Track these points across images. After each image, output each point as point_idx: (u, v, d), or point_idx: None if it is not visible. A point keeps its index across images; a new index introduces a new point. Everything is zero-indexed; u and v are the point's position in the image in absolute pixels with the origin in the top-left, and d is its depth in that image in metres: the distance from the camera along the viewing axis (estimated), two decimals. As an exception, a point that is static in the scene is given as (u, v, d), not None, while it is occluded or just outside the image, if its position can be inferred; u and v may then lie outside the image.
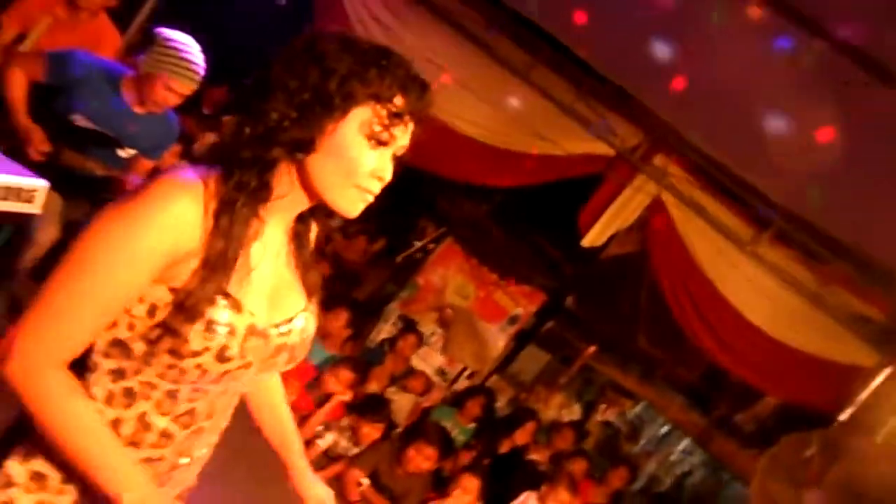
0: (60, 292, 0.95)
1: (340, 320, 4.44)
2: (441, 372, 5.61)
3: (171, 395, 1.05)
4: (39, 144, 2.67)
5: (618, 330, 5.65)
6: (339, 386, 3.98)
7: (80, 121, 2.75)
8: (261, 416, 1.39)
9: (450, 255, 5.66)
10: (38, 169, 2.53)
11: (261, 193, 1.00)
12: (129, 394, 1.04)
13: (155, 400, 1.05)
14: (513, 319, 5.63)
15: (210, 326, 0.98)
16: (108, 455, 1.00)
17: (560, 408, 5.78)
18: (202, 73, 2.75)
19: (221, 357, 1.00)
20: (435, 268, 5.66)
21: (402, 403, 4.75)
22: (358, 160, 0.99)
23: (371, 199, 1.04)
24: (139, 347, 1.00)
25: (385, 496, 3.73)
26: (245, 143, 0.99)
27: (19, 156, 2.57)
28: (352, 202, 1.03)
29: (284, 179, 1.03)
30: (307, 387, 4.02)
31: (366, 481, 3.72)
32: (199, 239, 0.96)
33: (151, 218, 0.93)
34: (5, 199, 2.20)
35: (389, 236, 6.22)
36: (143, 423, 1.06)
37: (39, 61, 2.78)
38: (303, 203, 1.07)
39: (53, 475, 1.05)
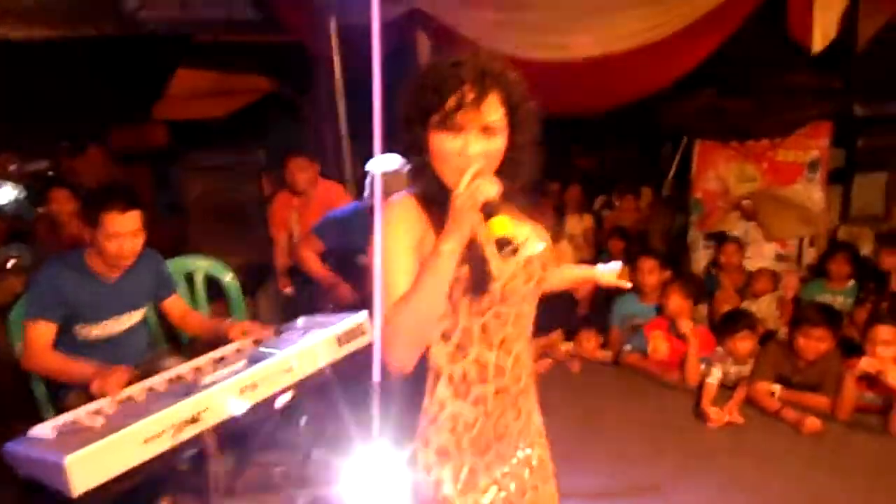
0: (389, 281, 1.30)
1: (652, 269, 4.34)
2: (781, 258, 5.23)
3: (484, 328, 1.34)
4: (347, 292, 3.35)
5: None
6: (679, 299, 4.05)
7: (362, 258, 3.33)
8: None
9: (708, 154, 5.38)
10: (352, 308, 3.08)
11: (430, 187, 1.33)
12: (460, 347, 1.35)
13: (476, 338, 1.34)
14: (813, 166, 5.10)
15: None
16: (425, 274, 1.23)
17: (934, 212, 4.98)
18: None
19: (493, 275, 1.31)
20: (703, 175, 5.40)
21: (765, 308, 4.51)
22: (443, 149, 1.28)
23: (472, 171, 1.26)
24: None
25: (804, 391, 3.55)
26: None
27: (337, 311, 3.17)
28: (458, 180, 1.27)
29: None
30: (669, 331, 4.10)
31: (776, 387, 3.58)
32: (426, 223, 1.33)
33: (397, 225, 1.33)
34: (350, 339, 2.71)
35: (648, 179, 6.12)
36: (480, 364, 1.35)
37: (312, 239, 3.54)
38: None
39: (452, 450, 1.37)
